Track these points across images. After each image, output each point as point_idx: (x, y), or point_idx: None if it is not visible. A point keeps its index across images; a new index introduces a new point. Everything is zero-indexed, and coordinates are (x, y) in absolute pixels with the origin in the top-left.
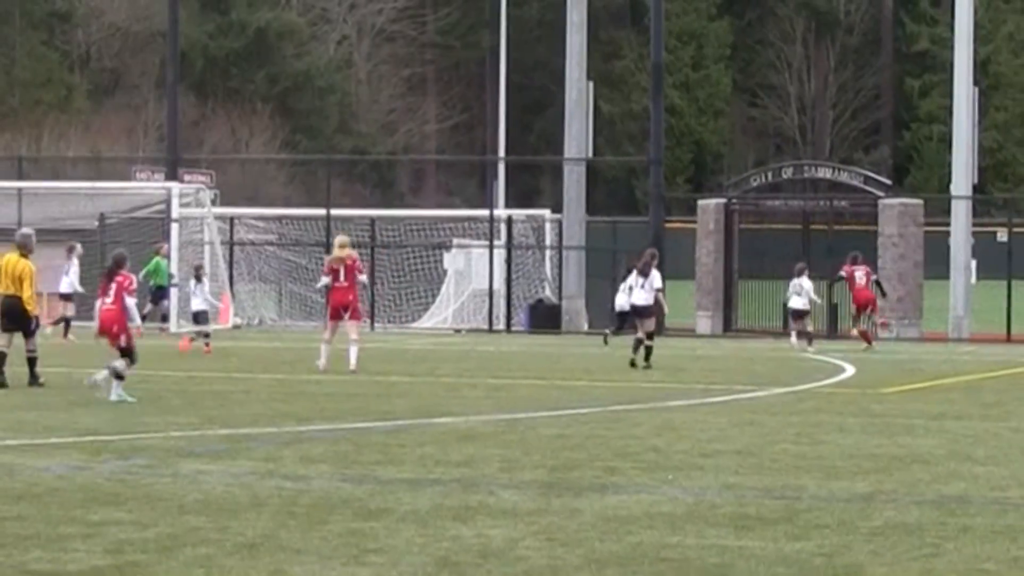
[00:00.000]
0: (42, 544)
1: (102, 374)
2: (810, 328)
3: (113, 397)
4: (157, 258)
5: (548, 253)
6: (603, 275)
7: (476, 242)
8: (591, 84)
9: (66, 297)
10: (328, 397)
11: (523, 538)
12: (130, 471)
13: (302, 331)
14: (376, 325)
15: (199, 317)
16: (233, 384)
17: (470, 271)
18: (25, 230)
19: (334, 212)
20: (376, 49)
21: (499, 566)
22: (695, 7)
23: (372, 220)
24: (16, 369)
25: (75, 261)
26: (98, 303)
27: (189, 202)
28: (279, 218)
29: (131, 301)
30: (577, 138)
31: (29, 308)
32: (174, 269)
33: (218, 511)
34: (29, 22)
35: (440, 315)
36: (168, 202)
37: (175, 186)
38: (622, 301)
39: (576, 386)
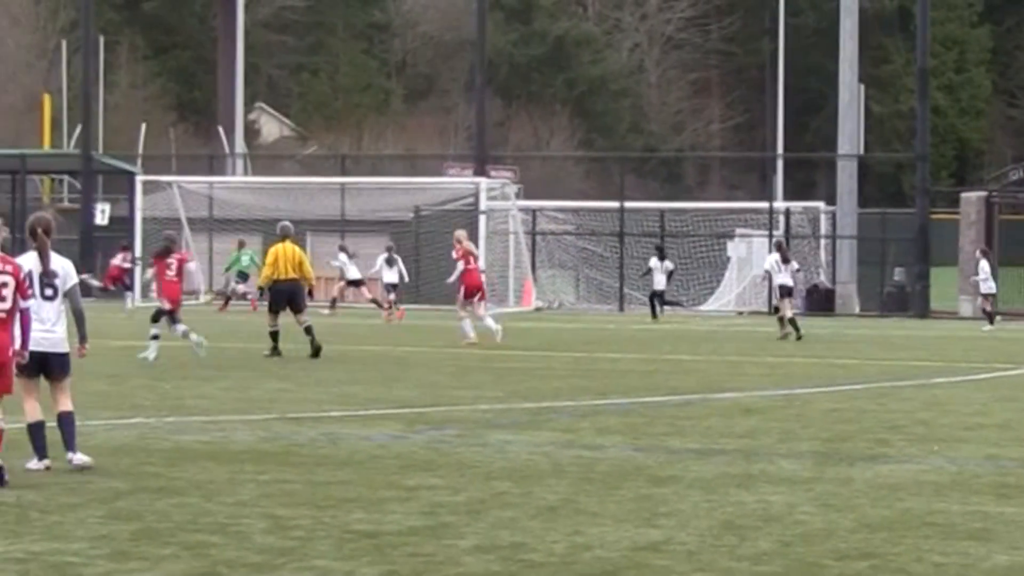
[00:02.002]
0: (363, 506)
1: (194, 337)
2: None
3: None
4: (235, 252)
5: (823, 242)
6: (873, 262)
7: (756, 231)
8: (862, 86)
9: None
10: (622, 374)
11: (800, 503)
12: (443, 440)
13: (598, 313)
14: (665, 308)
15: (392, 288)
16: (535, 361)
17: (751, 258)
18: (286, 222)
19: (627, 205)
20: (665, 56)
21: (778, 529)
22: (958, 15)
23: (662, 212)
24: (294, 346)
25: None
26: (147, 274)
27: (495, 195)
28: (576, 210)
29: (192, 266)
30: (849, 136)
31: (312, 287)
32: (482, 258)
33: (522, 477)
34: (351, 33)
35: (724, 299)
36: (476, 195)
37: (483, 181)
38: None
39: (848, 364)
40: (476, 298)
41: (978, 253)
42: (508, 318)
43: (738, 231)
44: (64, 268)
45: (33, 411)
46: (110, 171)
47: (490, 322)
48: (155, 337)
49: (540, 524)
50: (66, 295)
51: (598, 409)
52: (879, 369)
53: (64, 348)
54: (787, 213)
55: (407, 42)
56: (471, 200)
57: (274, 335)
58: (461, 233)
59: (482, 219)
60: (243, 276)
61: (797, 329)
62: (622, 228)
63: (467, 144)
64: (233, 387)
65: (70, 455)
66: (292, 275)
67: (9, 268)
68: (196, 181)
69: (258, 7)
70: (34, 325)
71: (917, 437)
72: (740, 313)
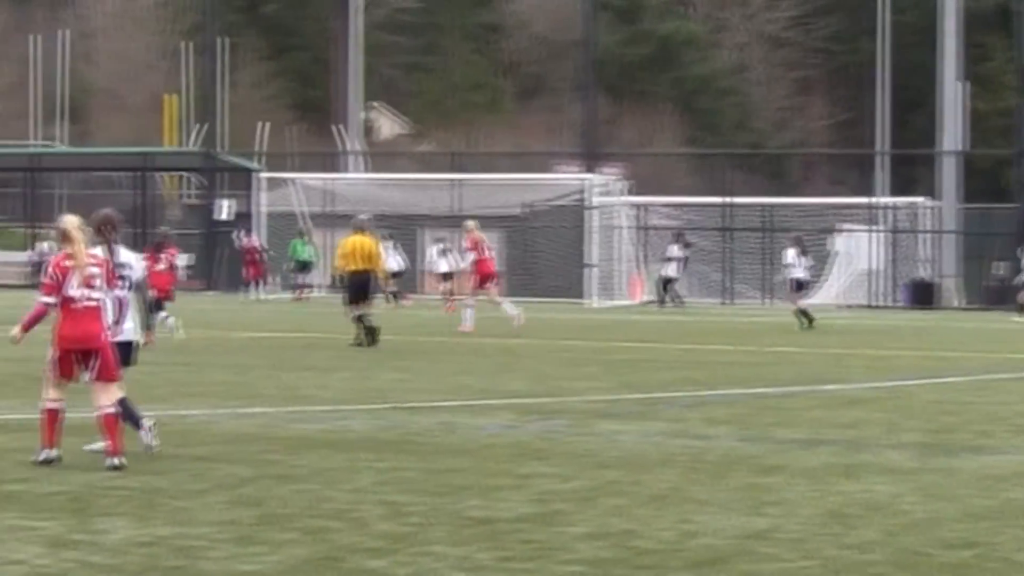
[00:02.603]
0: (478, 494)
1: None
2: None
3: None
4: (295, 240)
5: (925, 237)
6: (977, 257)
7: (859, 226)
8: (964, 84)
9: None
10: (728, 365)
11: (904, 494)
12: (554, 430)
13: (704, 306)
14: (766, 301)
15: (446, 278)
16: (644, 353)
17: (854, 253)
18: (364, 215)
19: (732, 200)
20: (769, 54)
21: (883, 518)
22: None
23: (766, 207)
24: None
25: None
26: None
27: (604, 191)
28: (683, 205)
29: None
30: (952, 133)
31: (382, 278)
32: (594, 252)
33: (631, 466)
34: (463, 33)
35: (827, 292)
36: (585, 191)
37: (591, 177)
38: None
39: (951, 357)
40: (492, 283)
41: (1020, 250)
42: (617, 311)
43: (842, 226)
44: (133, 261)
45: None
46: (232, 168)
47: (508, 307)
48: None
49: (650, 512)
50: (136, 287)
51: (706, 400)
52: (980, 361)
53: (133, 337)
54: (891, 209)
55: (518, 42)
56: (580, 196)
57: (360, 319)
58: (471, 223)
59: (591, 214)
60: (303, 265)
61: (807, 318)
62: (728, 223)
63: (576, 141)
64: (352, 377)
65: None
66: (365, 266)
67: (94, 260)
68: (315, 177)
69: (374, 9)
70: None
71: (1019, 428)
72: (844, 307)
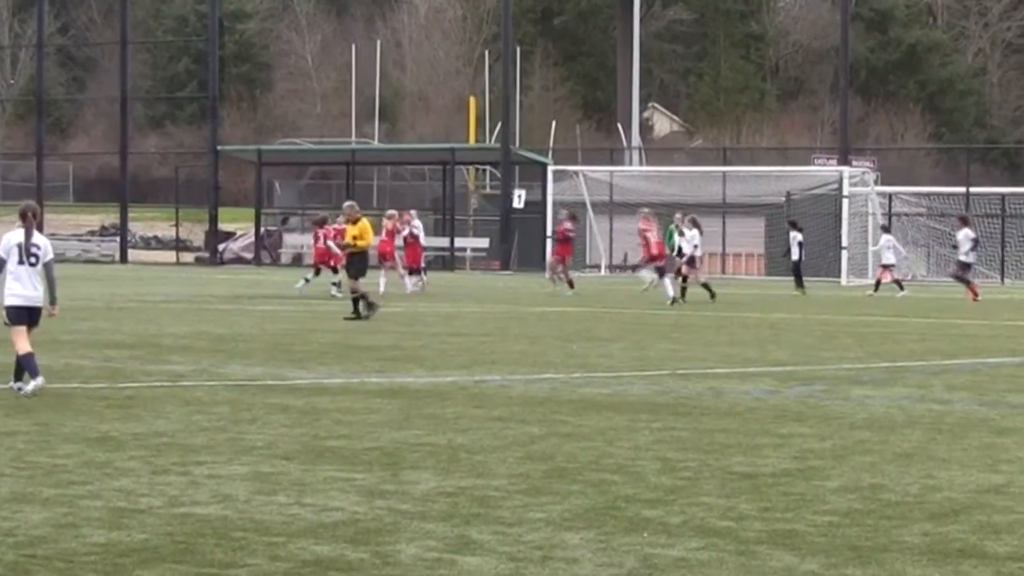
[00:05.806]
0: (743, 451)
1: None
2: None
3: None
4: (671, 226)
5: None
6: None
7: None
8: None
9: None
10: (967, 338)
11: None
12: (811, 395)
13: (946, 285)
14: (1006, 280)
15: (693, 260)
16: (892, 327)
17: None
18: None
19: (972, 190)
20: (1006, 59)
21: None
22: None
23: (1003, 196)
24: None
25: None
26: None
27: (856, 182)
28: (927, 194)
29: (331, 243)
30: None
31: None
32: (845, 236)
33: (880, 428)
34: (731, 42)
35: None
36: (840, 182)
37: (845, 169)
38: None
39: None
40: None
41: None
42: (868, 289)
43: None
44: (45, 243)
45: (24, 346)
46: (526, 162)
47: (645, 274)
48: (307, 280)
49: (896, 468)
50: (45, 265)
51: (947, 368)
52: None
53: (41, 304)
54: None
55: (780, 49)
56: (835, 186)
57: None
58: (644, 210)
59: (845, 203)
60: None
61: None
62: (967, 210)
63: (832, 137)
64: (631, 347)
65: (24, 384)
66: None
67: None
68: (599, 170)
69: (652, 21)
70: (17, 286)
71: None
72: None
